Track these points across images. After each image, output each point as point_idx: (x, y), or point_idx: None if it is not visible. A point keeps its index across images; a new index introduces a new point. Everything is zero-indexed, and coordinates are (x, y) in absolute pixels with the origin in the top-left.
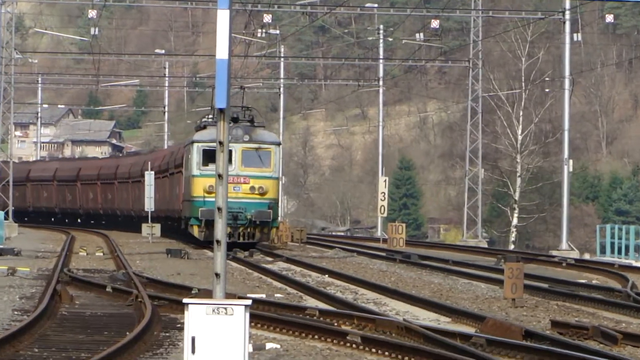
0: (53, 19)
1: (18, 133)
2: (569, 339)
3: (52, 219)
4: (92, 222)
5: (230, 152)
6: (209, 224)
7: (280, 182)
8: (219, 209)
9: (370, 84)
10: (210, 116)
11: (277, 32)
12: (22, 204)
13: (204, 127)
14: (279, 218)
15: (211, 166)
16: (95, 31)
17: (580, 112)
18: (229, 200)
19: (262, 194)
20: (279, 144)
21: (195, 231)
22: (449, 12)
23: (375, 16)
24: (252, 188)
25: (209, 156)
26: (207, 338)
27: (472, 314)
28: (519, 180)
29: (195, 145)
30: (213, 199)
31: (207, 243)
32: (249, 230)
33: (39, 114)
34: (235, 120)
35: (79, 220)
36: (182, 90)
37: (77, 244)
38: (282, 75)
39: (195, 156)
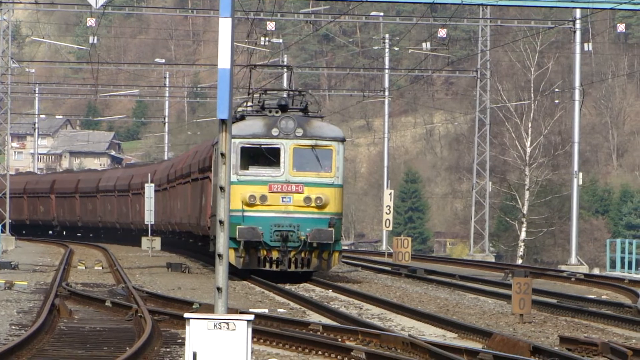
0: (51, 27)
1: (15, 144)
2: (577, 356)
3: (50, 232)
4: (91, 235)
5: (276, 150)
6: (250, 247)
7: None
8: (221, 222)
9: (376, 95)
10: (250, 103)
11: (280, 41)
12: (19, 217)
13: (242, 118)
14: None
15: (253, 170)
16: (93, 40)
17: (591, 123)
18: (275, 215)
19: (320, 207)
20: (343, 140)
21: (231, 256)
22: (456, 21)
23: (380, 25)
24: (308, 199)
25: (250, 156)
26: (208, 354)
27: (479, 329)
28: (527, 194)
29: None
30: (255, 214)
31: (247, 273)
32: (302, 255)
33: (37, 125)
34: (283, 108)
35: (78, 234)
36: (183, 100)
37: (76, 258)
38: (285, 85)
39: (232, 156)
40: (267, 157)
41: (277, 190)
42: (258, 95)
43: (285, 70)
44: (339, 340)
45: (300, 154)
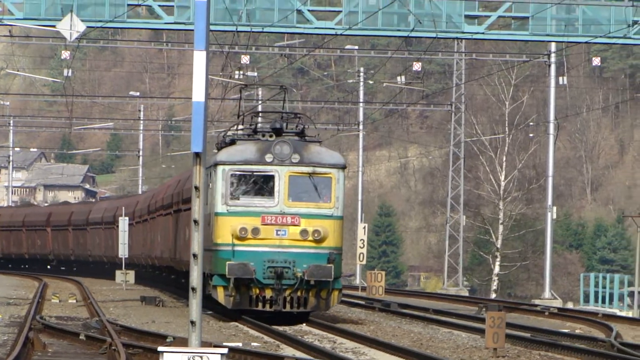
0: (25, 60)
1: None
2: None
3: (24, 266)
4: (62, 268)
5: (270, 177)
6: (241, 285)
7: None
8: (195, 255)
9: (350, 128)
10: (241, 126)
11: (255, 74)
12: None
13: (233, 142)
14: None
15: (245, 199)
16: (68, 72)
17: (565, 157)
18: (269, 250)
19: (318, 241)
20: (343, 167)
21: (220, 295)
22: (431, 54)
23: (355, 58)
24: (305, 232)
25: (241, 184)
26: None
27: None
28: (501, 228)
29: (221, 168)
30: (247, 248)
31: (238, 313)
32: (299, 293)
33: (11, 158)
34: (277, 132)
35: (48, 267)
36: (158, 133)
37: (50, 291)
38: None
39: (221, 185)
40: (260, 185)
41: (271, 222)
42: (250, 117)
43: (279, 89)
44: None
45: (297, 182)
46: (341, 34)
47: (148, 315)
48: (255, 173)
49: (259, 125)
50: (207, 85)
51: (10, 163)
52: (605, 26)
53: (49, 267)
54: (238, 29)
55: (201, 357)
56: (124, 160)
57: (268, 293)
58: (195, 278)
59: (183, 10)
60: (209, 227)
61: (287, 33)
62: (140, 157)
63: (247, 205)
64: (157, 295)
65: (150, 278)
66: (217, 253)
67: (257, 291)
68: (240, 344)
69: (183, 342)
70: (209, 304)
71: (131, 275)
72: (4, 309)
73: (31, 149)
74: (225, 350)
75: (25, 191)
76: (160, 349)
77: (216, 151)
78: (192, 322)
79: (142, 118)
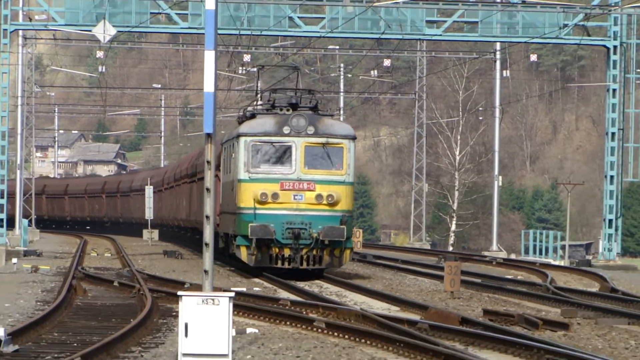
0: (67, 59)
1: (38, 154)
2: (498, 325)
3: (67, 226)
4: (99, 228)
5: (288, 147)
6: (262, 245)
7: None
8: (207, 217)
9: (332, 114)
10: (261, 102)
11: (255, 69)
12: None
13: (253, 116)
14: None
15: (265, 167)
16: (102, 69)
17: (508, 136)
18: (287, 213)
19: (332, 205)
20: (353, 138)
21: (244, 254)
22: (398, 52)
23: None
24: (319, 197)
25: (262, 154)
26: (197, 324)
27: (417, 304)
28: (456, 193)
29: (243, 139)
30: (267, 211)
31: (260, 270)
32: (314, 252)
33: (56, 138)
34: (294, 106)
35: (88, 228)
36: (176, 118)
37: (89, 247)
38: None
39: (243, 154)
40: (278, 154)
41: (288, 188)
42: (267, 94)
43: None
44: (304, 312)
45: (312, 151)
46: (325, 36)
47: (169, 266)
48: (274, 143)
49: (276, 100)
50: (215, 78)
51: (56, 142)
52: (541, 28)
53: (106, 226)
54: (241, 33)
55: (213, 299)
56: (149, 140)
57: (286, 252)
58: (208, 235)
59: (195, 18)
60: (232, 193)
61: (281, 36)
62: (162, 137)
63: (267, 172)
64: (177, 250)
65: (176, 236)
66: (240, 216)
67: (277, 250)
68: (244, 289)
69: (198, 287)
70: (233, 261)
71: (155, 233)
72: (52, 262)
73: (73, 131)
74: (232, 294)
75: (68, 165)
76: (179, 293)
77: (238, 125)
78: (206, 271)
79: (163, 106)
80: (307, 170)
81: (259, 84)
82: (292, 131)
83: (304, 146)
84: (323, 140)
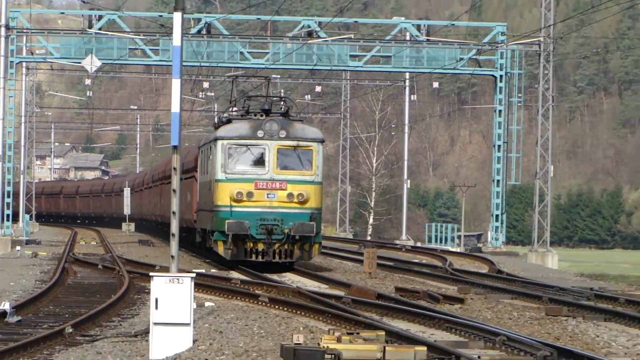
0: (61, 85)
1: (38, 162)
2: (407, 299)
3: (61, 220)
4: (86, 222)
5: (262, 150)
6: (237, 240)
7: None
8: (174, 212)
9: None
10: (235, 108)
11: (212, 94)
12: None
13: (229, 121)
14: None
15: (240, 168)
16: (89, 93)
17: (415, 147)
18: (261, 210)
19: (302, 203)
20: (322, 141)
21: (221, 248)
22: (327, 80)
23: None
24: (290, 195)
25: (237, 156)
26: (165, 299)
27: (342, 282)
28: (373, 194)
29: (220, 142)
30: (243, 209)
31: (235, 263)
32: (286, 247)
33: (52, 149)
34: (266, 112)
35: (78, 221)
36: (149, 133)
37: (79, 237)
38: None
39: (220, 156)
40: (253, 156)
41: (262, 187)
42: (242, 101)
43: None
44: (251, 289)
45: (284, 153)
46: (268, 67)
47: (143, 252)
48: (249, 146)
49: (251, 106)
50: (181, 101)
51: (52, 153)
52: (442, 61)
53: (106, 220)
54: (201, 65)
55: (178, 279)
56: (127, 151)
57: (260, 246)
58: (174, 227)
59: (165, 52)
60: (209, 192)
61: (233, 67)
62: (138, 149)
63: (243, 173)
64: (149, 239)
65: (154, 229)
66: (218, 213)
67: (251, 245)
68: (204, 270)
69: (166, 269)
70: (209, 254)
71: (132, 225)
72: (49, 249)
73: (66, 144)
74: (193, 275)
75: (62, 171)
76: (151, 274)
77: (214, 130)
78: (172, 256)
79: (138, 123)
80: (279, 171)
81: (234, 93)
82: (266, 135)
83: (276, 149)
84: (294, 143)
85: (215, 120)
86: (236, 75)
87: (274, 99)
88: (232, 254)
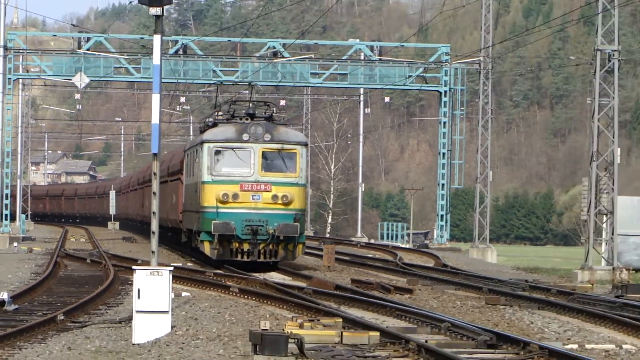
0: (53, 99)
1: (33, 168)
2: (362, 290)
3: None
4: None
5: (247, 153)
6: (223, 240)
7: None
8: (154, 213)
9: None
10: (220, 113)
11: (188, 107)
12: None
13: (215, 125)
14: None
15: (226, 170)
16: (79, 107)
17: (369, 155)
18: (246, 211)
19: (286, 204)
20: (305, 144)
21: (207, 248)
22: (291, 95)
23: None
24: (275, 197)
25: (223, 158)
26: (147, 289)
27: (304, 275)
28: (332, 196)
29: (206, 145)
30: (228, 210)
31: (221, 263)
32: (270, 247)
33: (45, 156)
34: (251, 116)
35: (62, 220)
36: (132, 142)
37: (69, 234)
38: (191, 134)
39: (207, 159)
40: (238, 159)
41: (247, 189)
42: (227, 105)
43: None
44: (223, 281)
45: (268, 156)
46: (238, 83)
47: (127, 248)
48: (234, 149)
49: (236, 111)
50: (160, 114)
51: (45, 159)
52: (392, 78)
53: (98, 220)
54: (178, 81)
55: (157, 272)
56: (112, 158)
57: (245, 246)
58: (154, 226)
59: (146, 70)
60: (196, 194)
61: (207, 83)
62: (122, 156)
63: (228, 175)
64: (132, 236)
65: (138, 228)
66: (204, 214)
67: (237, 245)
68: (181, 264)
69: (147, 263)
70: (197, 254)
71: (117, 224)
72: (42, 245)
73: (57, 151)
74: (171, 268)
75: (55, 176)
76: (134, 267)
77: (199, 133)
78: (153, 252)
79: (122, 133)
80: (264, 173)
81: (218, 97)
82: (251, 138)
83: (261, 151)
84: (278, 146)
85: (202, 124)
86: (221, 81)
87: (258, 103)
88: (218, 254)
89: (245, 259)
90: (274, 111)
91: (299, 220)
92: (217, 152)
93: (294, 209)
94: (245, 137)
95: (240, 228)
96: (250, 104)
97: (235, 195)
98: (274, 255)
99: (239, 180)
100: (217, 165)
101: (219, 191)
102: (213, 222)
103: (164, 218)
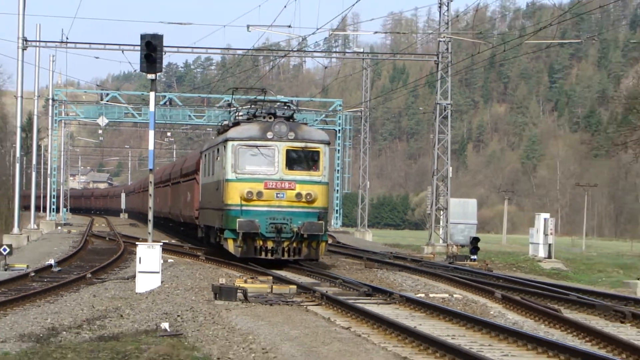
0: (85, 133)
1: (71, 178)
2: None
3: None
4: (98, 212)
5: (271, 151)
6: (247, 238)
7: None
8: (150, 207)
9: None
10: (241, 113)
11: (172, 139)
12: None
13: (237, 124)
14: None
15: (250, 168)
16: (101, 138)
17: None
18: (270, 209)
19: (310, 202)
20: (328, 143)
21: (231, 246)
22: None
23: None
24: (299, 195)
25: (247, 156)
26: (145, 257)
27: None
28: None
29: (230, 143)
30: (253, 208)
31: (245, 261)
32: (294, 245)
33: (79, 170)
34: (273, 115)
35: (90, 212)
36: (136, 161)
37: (95, 222)
38: (174, 157)
39: (231, 157)
40: (262, 157)
41: (272, 187)
42: (248, 106)
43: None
44: (194, 252)
45: (292, 154)
46: (205, 125)
47: (133, 230)
48: (259, 147)
49: (257, 110)
50: (154, 144)
51: (79, 172)
52: (305, 121)
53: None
54: (166, 122)
55: (153, 246)
56: (123, 172)
57: (270, 244)
58: (150, 215)
59: (145, 115)
60: (217, 192)
61: (184, 124)
62: (129, 170)
63: (252, 173)
64: (136, 223)
65: (142, 218)
66: (228, 212)
67: (261, 243)
68: (167, 241)
69: (146, 240)
70: (222, 252)
71: (126, 215)
72: (78, 228)
73: (87, 167)
74: (162, 243)
75: (85, 183)
76: (137, 243)
77: (216, 136)
78: (149, 233)
79: (130, 155)
80: (288, 172)
81: (232, 101)
82: (275, 136)
83: (285, 150)
84: (302, 144)
85: (219, 125)
86: (236, 87)
87: (278, 103)
88: (242, 252)
89: (269, 256)
90: (295, 111)
91: (323, 218)
92: (242, 150)
93: (318, 207)
94: (269, 135)
95: (264, 226)
96: (269, 104)
97: (259, 193)
98: (297, 253)
99: (263, 178)
100: (242, 163)
101: (243, 189)
102: (238, 219)
103: (177, 214)
